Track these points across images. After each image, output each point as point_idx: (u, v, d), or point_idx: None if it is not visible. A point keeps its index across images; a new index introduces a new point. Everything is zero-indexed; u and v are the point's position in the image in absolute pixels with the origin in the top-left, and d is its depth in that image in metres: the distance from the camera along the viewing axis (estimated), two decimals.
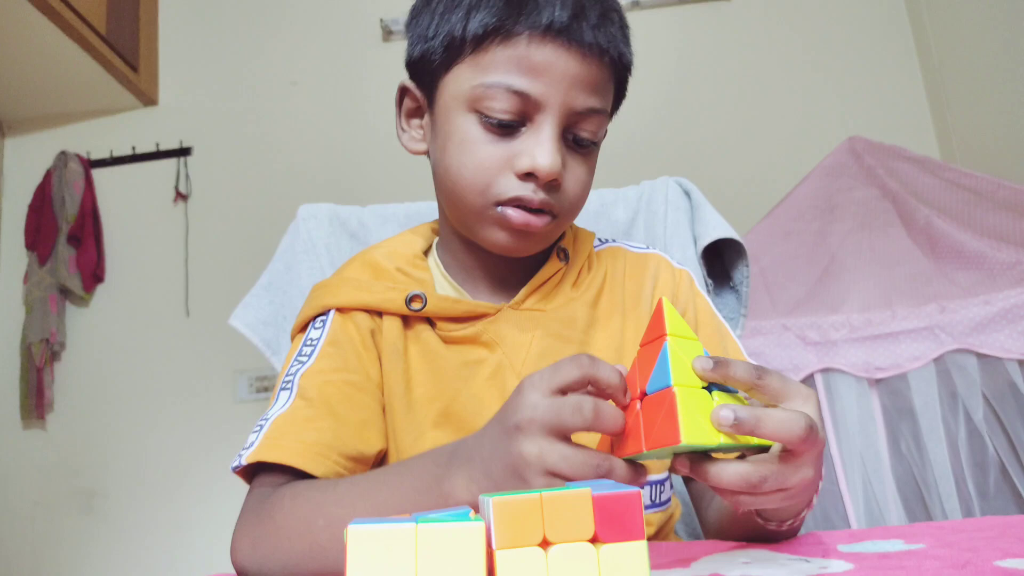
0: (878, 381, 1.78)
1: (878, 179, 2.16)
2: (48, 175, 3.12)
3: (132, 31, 3.09)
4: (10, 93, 3.04)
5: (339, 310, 0.75)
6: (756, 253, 1.93)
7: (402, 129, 0.77)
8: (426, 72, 0.72)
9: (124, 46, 2.99)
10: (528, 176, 0.66)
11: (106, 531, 2.91)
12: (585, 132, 0.69)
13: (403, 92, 0.76)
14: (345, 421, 0.68)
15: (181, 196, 3.14)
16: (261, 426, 0.67)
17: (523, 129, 0.67)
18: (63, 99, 3.13)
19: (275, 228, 1.24)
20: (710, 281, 1.05)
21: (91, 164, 3.17)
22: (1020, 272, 1.78)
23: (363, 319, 0.74)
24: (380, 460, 0.72)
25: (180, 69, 3.28)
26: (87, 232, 3.05)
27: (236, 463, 0.66)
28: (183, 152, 3.18)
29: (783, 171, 2.53)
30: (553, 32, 0.64)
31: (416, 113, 0.76)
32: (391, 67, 3.58)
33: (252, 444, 0.65)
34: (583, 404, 0.46)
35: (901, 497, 1.73)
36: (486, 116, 0.66)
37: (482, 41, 0.66)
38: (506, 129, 0.66)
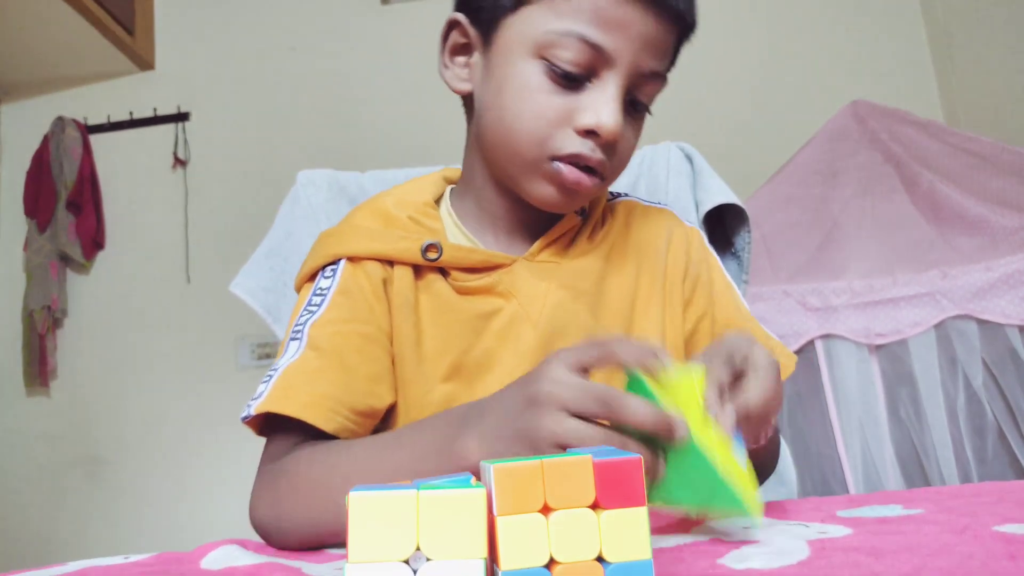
0: (878, 347, 1.78)
1: (881, 144, 2.14)
2: (45, 141, 3.10)
3: None
4: (5, 58, 3.01)
5: (350, 259, 0.72)
6: (758, 219, 1.92)
7: (445, 65, 0.74)
8: (486, 8, 0.68)
9: (120, 9, 2.95)
10: (589, 133, 0.65)
11: (110, 497, 2.94)
12: (644, 96, 0.67)
13: (452, 26, 0.73)
14: (356, 374, 0.67)
15: (180, 162, 3.12)
16: (271, 376, 0.66)
17: (588, 84, 0.65)
18: (59, 64, 3.10)
19: (274, 194, 1.23)
20: (711, 247, 1.05)
21: (89, 130, 3.15)
22: (1022, 237, 1.77)
23: (375, 268, 0.72)
24: (388, 413, 0.72)
25: (177, 33, 3.24)
26: (86, 198, 3.04)
27: (245, 413, 0.64)
28: (181, 117, 3.16)
29: (786, 135, 2.51)
30: None
31: (463, 50, 0.73)
32: (389, 32, 3.56)
33: (261, 394, 0.64)
34: (607, 395, 0.45)
35: (899, 463, 1.75)
36: (552, 64, 0.64)
37: None
38: (571, 81, 0.64)
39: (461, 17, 0.72)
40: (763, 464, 0.65)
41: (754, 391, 0.49)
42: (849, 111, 2.26)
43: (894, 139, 2.14)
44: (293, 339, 0.69)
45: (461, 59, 0.73)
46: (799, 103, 2.85)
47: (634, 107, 0.68)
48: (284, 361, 0.67)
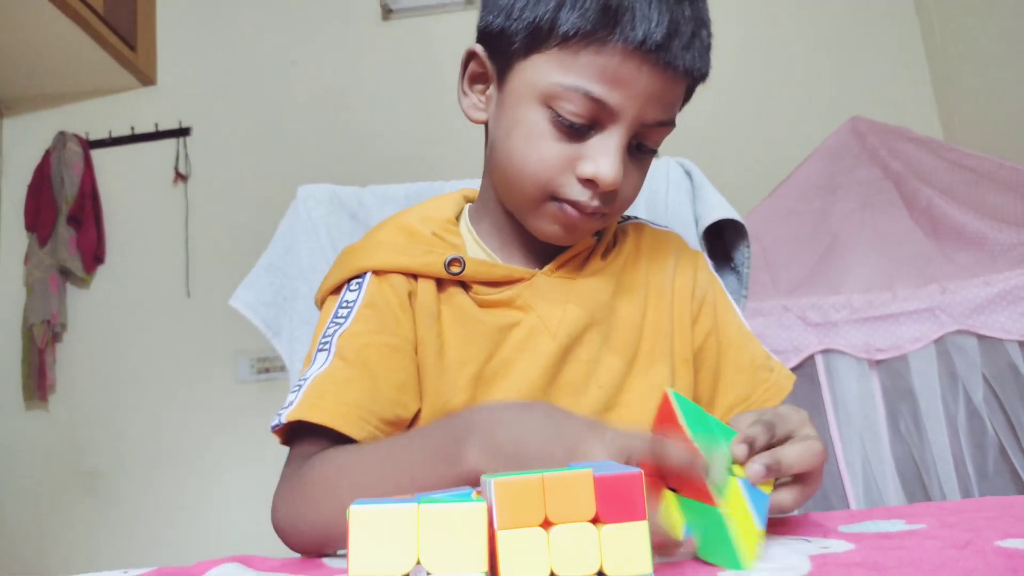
0: (878, 362, 1.78)
1: (880, 159, 2.15)
2: (47, 155, 3.11)
3: (130, 10, 3.06)
4: (7, 72, 3.02)
5: (376, 273, 0.75)
6: (757, 233, 1.92)
7: (463, 93, 0.76)
8: (502, 49, 0.70)
9: (122, 25, 2.97)
10: (588, 182, 0.67)
11: (110, 512, 2.93)
12: (650, 143, 0.70)
13: (471, 56, 0.75)
14: (383, 383, 0.69)
15: (181, 177, 3.13)
16: (300, 386, 0.68)
17: (592, 133, 0.67)
18: (61, 79, 3.11)
19: (275, 209, 1.24)
20: (711, 262, 1.05)
21: (90, 145, 3.16)
22: (1021, 253, 1.77)
23: (400, 282, 0.74)
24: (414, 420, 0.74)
25: (178, 49, 3.26)
26: (87, 213, 3.04)
27: (276, 422, 0.66)
28: (182, 132, 3.17)
29: (785, 151, 2.52)
30: (645, 50, 0.63)
31: (480, 79, 0.75)
32: (390, 46, 3.56)
33: (291, 403, 0.66)
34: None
35: (900, 478, 1.74)
36: (558, 115, 0.66)
37: (569, 40, 0.64)
38: (575, 130, 0.66)
39: (480, 50, 0.73)
40: None
41: (789, 448, 0.51)
42: (848, 127, 2.27)
43: (893, 155, 2.14)
44: (321, 350, 0.71)
45: (479, 87, 0.75)
46: (798, 119, 2.87)
47: (639, 150, 0.70)
48: (313, 371, 0.68)
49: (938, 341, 1.73)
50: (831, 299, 1.81)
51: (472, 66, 0.75)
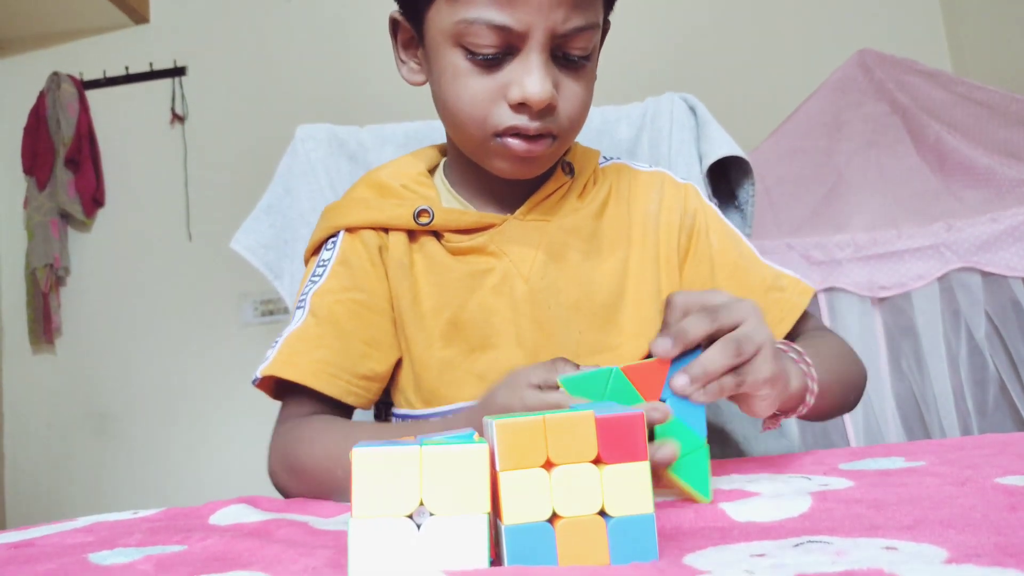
0: (881, 300, 1.78)
1: (888, 94, 2.11)
2: (41, 97, 3.07)
3: None
4: None
5: (348, 230, 0.76)
6: (761, 172, 1.90)
7: (401, 61, 0.76)
8: (411, 6, 0.71)
9: None
10: (521, 106, 0.66)
11: (119, 453, 2.98)
12: (575, 50, 0.67)
13: (395, 24, 0.75)
14: (352, 339, 0.71)
15: (177, 117, 3.09)
16: (276, 342, 0.72)
17: (510, 59, 0.66)
18: (52, 17, 3.05)
19: (274, 148, 1.22)
20: (714, 200, 1.04)
21: (84, 85, 3.11)
22: None
23: (370, 237, 0.76)
24: (395, 370, 0.76)
25: None
26: (84, 155, 3.01)
27: (254, 378, 0.71)
28: (178, 72, 3.12)
29: (791, 86, 2.47)
30: None
31: (411, 44, 0.75)
32: None
33: (268, 359, 0.70)
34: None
35: (900, 415, 1.76)
36: (471, 51, 0.65)
37: None
38: (492, 61, 0.65)
39: (398, 15, 0.74)
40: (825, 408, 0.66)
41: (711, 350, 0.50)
42: (856, 60, 2.22)
43: (901, 89, 2.10)
44: (298, 308, 0.74)
45: (412, 51, 0.75)
46: (805, 52, 2.80)
47: (571, 61, 0.67)
48: (288, 329, 0.73)
49: (942, 278, 1.73)
50: (835, 237, 1.81)
51: (400, 33, 0.75)
